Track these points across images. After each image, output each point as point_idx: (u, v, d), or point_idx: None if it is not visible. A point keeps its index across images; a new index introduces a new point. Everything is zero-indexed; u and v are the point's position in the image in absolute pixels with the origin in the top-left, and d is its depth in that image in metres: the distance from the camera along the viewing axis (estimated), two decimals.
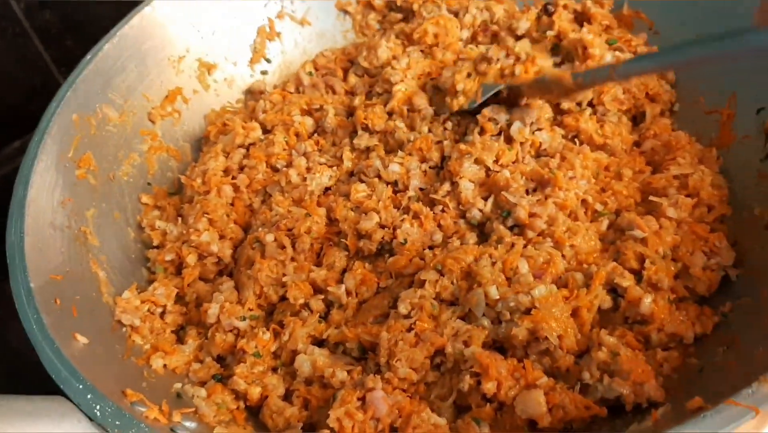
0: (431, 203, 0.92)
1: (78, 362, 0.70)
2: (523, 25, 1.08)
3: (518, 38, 1.08)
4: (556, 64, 1.03)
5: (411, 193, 0.93)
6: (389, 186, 0.94)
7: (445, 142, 0.97)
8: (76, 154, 0.94)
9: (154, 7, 1.07)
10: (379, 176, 0.96)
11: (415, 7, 1.17)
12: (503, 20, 1.10)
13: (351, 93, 1.12)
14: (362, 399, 0.73)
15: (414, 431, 0.71)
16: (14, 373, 1.07)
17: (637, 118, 1.02)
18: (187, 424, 0.72)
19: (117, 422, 0.64)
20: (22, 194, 0.85)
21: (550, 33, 1.04)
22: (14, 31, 1.35)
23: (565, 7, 1.08)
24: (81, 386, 0.67)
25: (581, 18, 1.08)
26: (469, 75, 0.99)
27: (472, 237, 0.89)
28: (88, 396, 0.66)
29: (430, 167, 0.97)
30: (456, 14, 1.13)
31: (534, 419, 0.71)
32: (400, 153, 0.97)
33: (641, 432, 0.66)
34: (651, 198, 0.89)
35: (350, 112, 1.08)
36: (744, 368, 0.68)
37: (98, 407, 0.65)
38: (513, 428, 0.72)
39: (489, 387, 0.72)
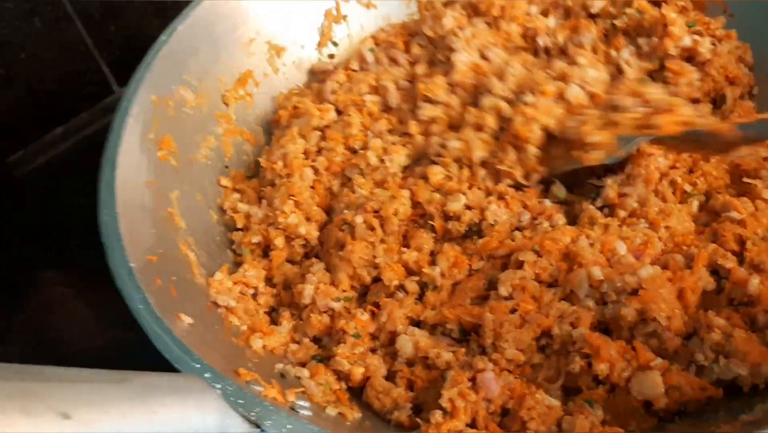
0: (497, 175, 0.92)
1: (188, 341, 0.69)
2: (598, 3, 1.07)
3: (592, 17, 1.07)
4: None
5: (482, 172, 0.92)
6: (463, 167, 0.94)
7: (501, 104, 0.95)
8: (157, 135, 0.93)
9: None
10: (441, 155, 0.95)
11: None
12: None
13: (414, 63, 1.10)
14: (472, 380, 0.73)
15: (528, 412, 0.70)
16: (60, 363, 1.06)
17: (717, 102, 1.01)
18: (301, 403, 0.71)
19: (240, 401, 0.63)
20: (111, 175, 0.84)
21: (628, 10, 1.03)
22: (56, 15, 1.33)
23: None
24: (198, 366, 0.66)
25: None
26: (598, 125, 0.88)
27: (560, 218, 0.88)
28: (207, 375, 0.65)
29: (487, 135, 0.95)
30: None
31: (650, 401, 0.71)
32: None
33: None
34: (744, 180, 0.88)
35: (414, 82, 1.06)
36: None
37: (219, 386, 0.64)
38: (626, 410, 0.71)
39: (602, 368, 0.71)
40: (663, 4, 1.05)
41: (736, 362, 0.70)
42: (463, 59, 1.01)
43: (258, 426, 0.62)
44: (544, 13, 1.09)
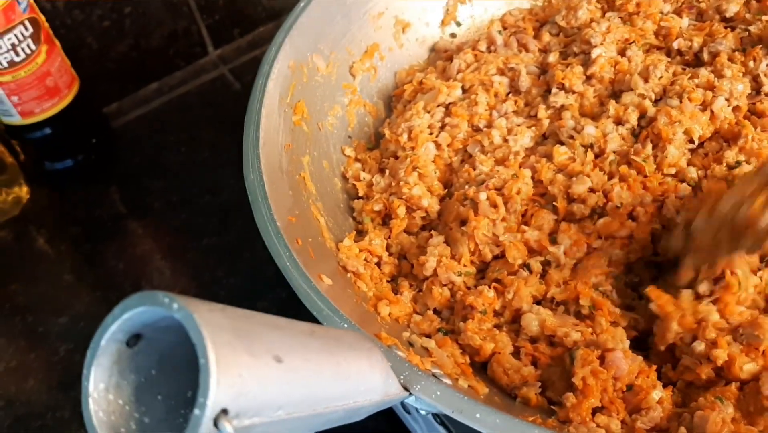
0: (628, 165, 0.92)
1: (333, 301, 0.72)
2: (733, 7, 1.06)
3: (726, 20, 1.07)
4: None
5: (611, 157, 0.92)
6: (589, 150, 0.94)
7: (645, 102, 0.96)
8: (293, 100, 0.96)
9: None
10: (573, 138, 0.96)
11: None
12: (710, 0, 1.08)
13: (544, 51, 1.11)
14: (601, 358, 0.75)
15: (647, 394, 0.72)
16: None
17: None
18: (435, 372, 0.73)
19: (389, 364, 0.66)
20: (255, 135, 0.86)
21: (765, 17, 1.02)
22: None
23: None
24: (345, 325, 0.69)
25: None
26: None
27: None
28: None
29: (626, 129, 0.95)
30: None
31: None
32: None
33: None
34: None
35: (543, 70, 1.08)
36: None
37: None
38: (756, 409, 0.72)
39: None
40: None
41: None
42: (602, 53, 1.01)
43: (408, 391, 0.64)
44: (678, 13, 1.09)
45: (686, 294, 0.78)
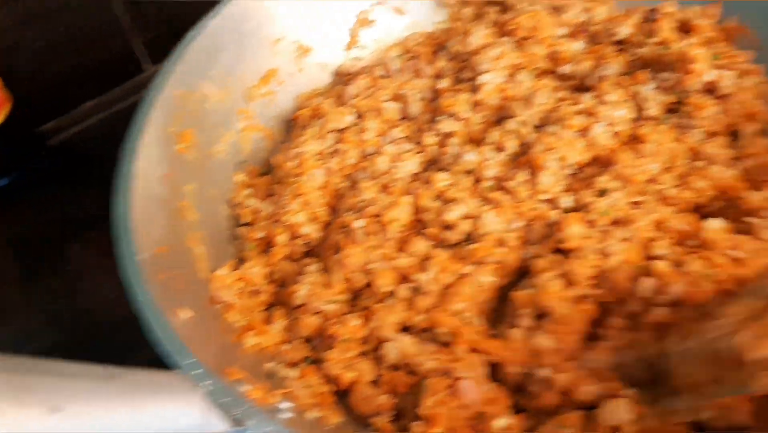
0: (503, 190, 0.92)
1: (183, 337, 0.73)
2: (624, 30, 1.07)
3: (617, 43, 1.08)
4: None
5: (487, 183, 0.93)
6: (469, 175, 0.95)
7: (523, 130, 0.97)
8: (178, 129, 0.96)
9: None
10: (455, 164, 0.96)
11: (513, 1, 1.16)
12: (603, 23, 1.09)
13: (438, 77, 1.11)
14: (451, 387, 0.75)
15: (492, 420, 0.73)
16: (86, 335, 1.11)
17: (734, 136, 1.00)
18: (283, 405, 0.74)
19: (226, 399, 0.66)
20: (129, 166, 0.87)
21: (651, 40, 1.03)
22: None
23: (669, 15, 1.06)
24: (190, 362, 0.69)
25: (684, 28, 1.07)
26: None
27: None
28: (197, 371, 0.69)
29: (506, 155, 0.96)
30: (557, 10, 1.12)
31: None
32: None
33: None
34: (744, 219, 0.88)
35: (435, 95, 1.08)
36: None
37: (207, 383, 0.67)
38: None
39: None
40: (690, 33, 1.05)
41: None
42: (490, 80, 1.02)
43: (240, 425, 0.65)
44: (572, 36, 1.09)
45: (515, 333, 0.80)
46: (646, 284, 0.78)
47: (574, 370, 0.75)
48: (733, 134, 1.00)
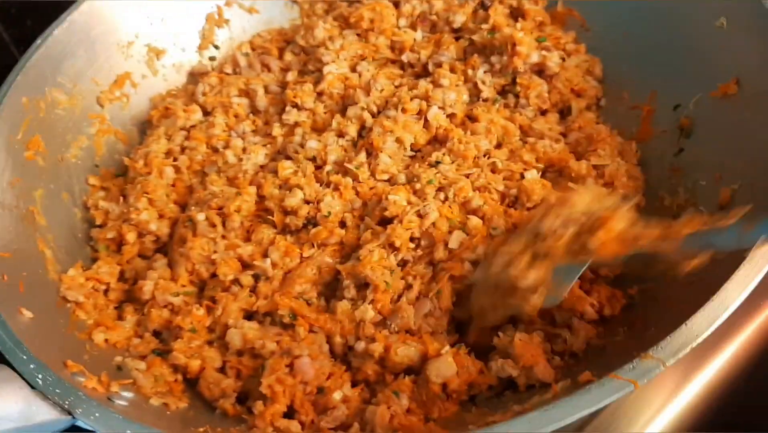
0: (345, 172, 0.97)
1: (23, 335, 0.75)
2: (459, 18, 1.13)
3: (455, 31, 1.14)
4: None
5: (329, 167, 0.98)
6: (311, 162, 0.99)
7: (365, 114, 1.02)
8: (25, 136, 0.97)
9: None
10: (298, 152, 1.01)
11: None
12: (441, 12, 1.15)
13: (286, 70, 1.16)
14: (290, 366, 0.79)
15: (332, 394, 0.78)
16: None
17: (564, 112, 1.08)
18: (125, 394, 0.76)
19: (57, 390, 0.69)
20: None
21: (485, 26, 1.10)
22: None
23: (501, 2, 1.13)
24: (24, 357, 0.72)
25: (516, 13, 1.13)
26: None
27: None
28: (31, 366, 0.71)
29: (347, 141, 1.02)
30: (396, 4, 1.17)
31: (446, 385, 0.78)
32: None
33: (542, 403, 0.72)
34: (569, 184, 0.95)
35: (284, 88, 1.12)
36: (636, 346, 0.74)
37: (40, 376, 0.70)
38: (429, 397, 0.78)
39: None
40: (521, 19, 1.11)
41: (511, 363, 0.78)
42: (333, 71, 1.07)
43: (70, 414, 0.68)
44: (413, 26, 1.15)
45: (341, 305, 0.85)
46: (456, 237, 0.86)
47: (386, 336, 0.81)
48: (567, 111, 1.08)
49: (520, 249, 0.78)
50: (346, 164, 0.96)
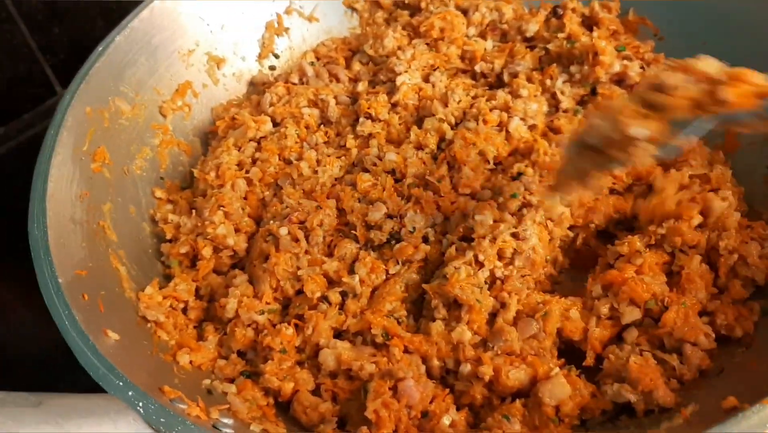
0: (425, 185, 0.94)
1: (113, 358, 0.70)
2: (532, 27, 1.10)
3: (527, 40, 1.11)
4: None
5: (409, 180, 0.95)
6: (389, 175, 0.96)
7: (444, 126, 0.99)
8: (91, 147, 0.93)
9: (163, 0, 1.06)
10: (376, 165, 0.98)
11: (423, 4, 1.18)
12: (512, 21, 1.12)
13: (354, 80, 1.12)
14: (393, 388, 0.75)
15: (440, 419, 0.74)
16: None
17: None
18: (225, 420, 0.72)
19: (162, 420, 0.64)
20: (42, 189, 0.84)
21: (560, 35, 1.06)
22: (0, 17, 1.32)
23: (573, 10, 1.10)
24: (121, 383, 0.67)
25: (589, 22, 1.10)
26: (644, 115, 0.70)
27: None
28: (129, 393, 0.66)
29: (426, 153, 0.98)
30: (465, 12, 1.14)
31: (559, 408, 0.74)
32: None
33: (673, 430, 0.68)
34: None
35: (354, 99, 1.09)
36: (764, 367, 0.71)
37: (141, 404, 0.65)
38: (541, 421, 0.74)
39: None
40: (595, 28, 1.08)
41: (628, 388, 0.74)
42: (406, 81, 1.03)
43: None
44: (482, 35, 1.12)
45: (436, 326, 0.81)
46: None
47: (493, 359, 0.77)
48: None
49: (632, 103, 0.70)
50: (427, 177, 0.92)
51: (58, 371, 0.80)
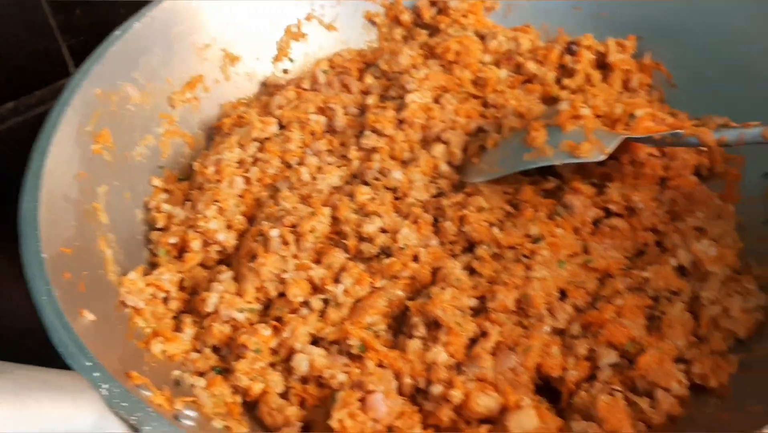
0: (426, 208, 0.95)
1: (85, 339, 0.70)
2: (550, 75, 1.10)
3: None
4: None
5: (411, 200, 0.95)
6: (390, 192, 0.96)
7: (456, 151, 1.01)
8: (95, 128, 0.94)
9: None
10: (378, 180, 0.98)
11: (442, 26, 1.18)
12: (528, 53, 1.12)
13: (365, 93, 1.13)
14: (362, 400, 0.75)
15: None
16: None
17: None
18: (188, 412, 0.72)
19: (124, 404, 0.64)
20: (39, 164, 0.84)
21: (568, 82, 1.08)
22: None
23: (588, 48, 1.10)
24: (89, 364, 0.67)
25: (603, 59, 1.11)
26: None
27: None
28: (96, 374, 0.66)
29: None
30: (483, 38, 1.14)
31: None
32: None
33: None
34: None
35: (362, 111, 1.09)
36: (739, 423, 0.70)
37: (105, 386, 0.65)
38: None
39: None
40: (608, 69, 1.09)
41: (595, 427, 0.73)
42: (416, 99, 1.03)
43: (137, 430, 0.63)
44: (497, 64, 1.12)
45: (412, 344, 0.80)
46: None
47: (465, 384, 0.76)
48: None
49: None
50: (442, 200, 0.93)
51: (36, 348, 0.79)
